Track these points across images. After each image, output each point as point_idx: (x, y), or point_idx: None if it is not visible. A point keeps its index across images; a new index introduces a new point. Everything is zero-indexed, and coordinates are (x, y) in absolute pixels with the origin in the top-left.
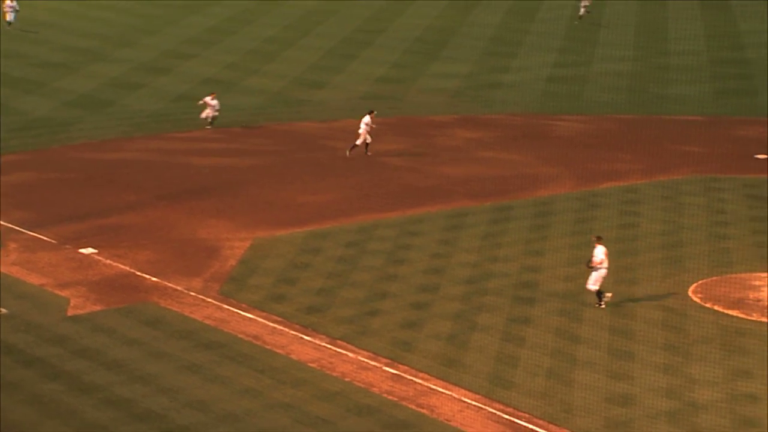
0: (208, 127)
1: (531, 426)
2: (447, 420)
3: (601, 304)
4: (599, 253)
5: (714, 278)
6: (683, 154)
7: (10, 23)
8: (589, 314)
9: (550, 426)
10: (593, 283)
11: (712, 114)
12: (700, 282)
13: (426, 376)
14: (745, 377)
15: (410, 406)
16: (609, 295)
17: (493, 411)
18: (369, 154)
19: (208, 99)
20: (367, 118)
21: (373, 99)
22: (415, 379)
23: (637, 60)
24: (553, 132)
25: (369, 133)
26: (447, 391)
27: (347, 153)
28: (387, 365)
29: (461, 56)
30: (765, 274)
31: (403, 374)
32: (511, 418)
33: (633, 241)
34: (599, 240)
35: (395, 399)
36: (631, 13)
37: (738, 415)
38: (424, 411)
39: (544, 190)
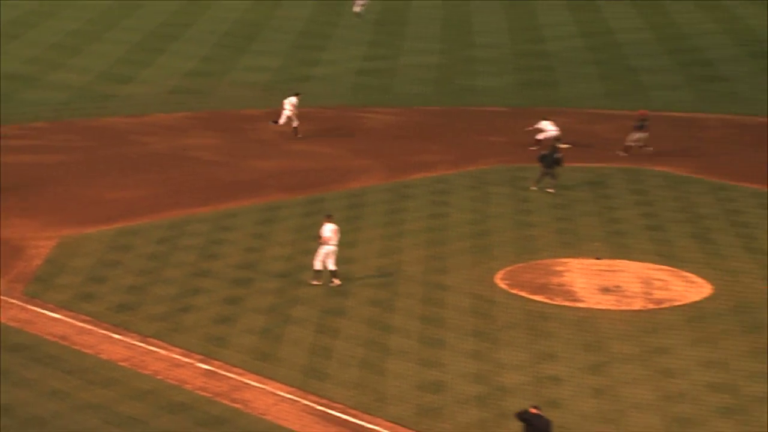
0: None
1: (345, 416)
2: (261, 414)
3: (333, 281)
4: (326, 230)
5: (520, 265)
6: (489, 144)
7: None
8: (402, 304)
9: (364, 415)
10: (319, 260)
11: (516, 105)
12: (506, 269)
13: (240, 370)
14: (550, 360)
15: (224, 401)
16: (336, 281)
17: (308, 403)
18: (299, 136)
19: None
20: (293, 99)
21: (183, 93)
22: (229, 374)
23: (444, 53)
24: (364, 124)
25: (296, 115)
26: (261, 385)
27: (297, 135)
28: (200, 361)
29: (271, 49)
30: (567, 260)
31: (216, 370)
32: (326, 410)
33: (443, 230)
34: (329, 218)
35: (209, 395)
36: (436, 7)
37: (543, 396)
38: (238, 406)
39: (356, 182)
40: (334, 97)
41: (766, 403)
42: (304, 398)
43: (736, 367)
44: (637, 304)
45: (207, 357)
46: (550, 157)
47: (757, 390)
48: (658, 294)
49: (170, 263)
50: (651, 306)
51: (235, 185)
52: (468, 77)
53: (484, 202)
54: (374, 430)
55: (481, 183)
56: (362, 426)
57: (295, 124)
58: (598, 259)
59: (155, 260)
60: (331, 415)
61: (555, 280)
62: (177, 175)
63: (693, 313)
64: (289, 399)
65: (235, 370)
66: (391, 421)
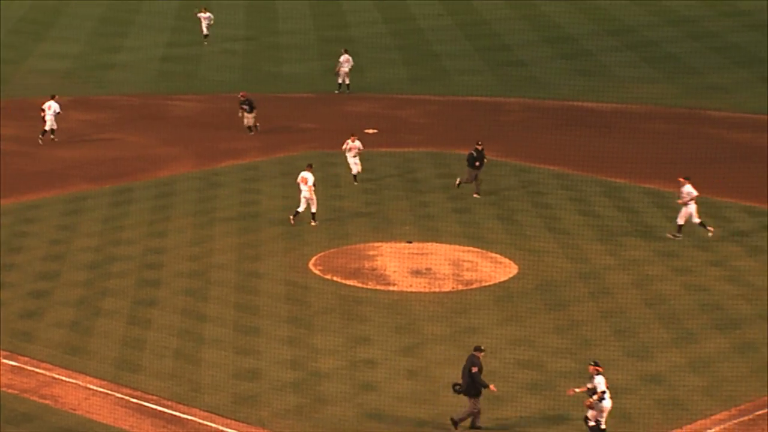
0: None
1: (159, 408)
2: (72, 409)
3: None
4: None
5: (332, 250)
6: (299, 130)
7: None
8: (215, 293)
9: (179, 406)
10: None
11: (322, 91)
12: (319, 255)
13: (49, 365)
14: (364, 344)
15: (32, 398)
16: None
17: (121, 396)
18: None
19: None
20: (344, 57)
21: None
22: (36, 369)
23: (250, 39)
24: (171, 112)
25: (347, 74)
26: (72, 380)
27: None
28: (6, 358)
29: (70, 36)
30: (379, 244)
31: (23, 366)
32: (140, 402)
33: (255, 217)
34: (309, 167)
35: (16, 392)
36: None
37: (358, 380)
38: (47, 402)
39: (165, 170)
40: (138, 85)
41: (570, 378)
42: (116, 391)
43: (541, 344)
44: (448, 286)
45: (13, 353)
46: (471, 158)
47: (561, 365)
48: (467, 275)
49: None
50: (461, 287)
51: (37, 176)
52: (274, 63)
53: (296, 189)
54: (190, 420)
55: (292, 169)
56: (177, 416)
57: (339, 80)
58: (408, 242)
59: None
60: (145, 407)
61: (367, 264)
62: None
63: (500, 292)
64: (101, 392)
65: (43, 365)
66: (208, 411)
